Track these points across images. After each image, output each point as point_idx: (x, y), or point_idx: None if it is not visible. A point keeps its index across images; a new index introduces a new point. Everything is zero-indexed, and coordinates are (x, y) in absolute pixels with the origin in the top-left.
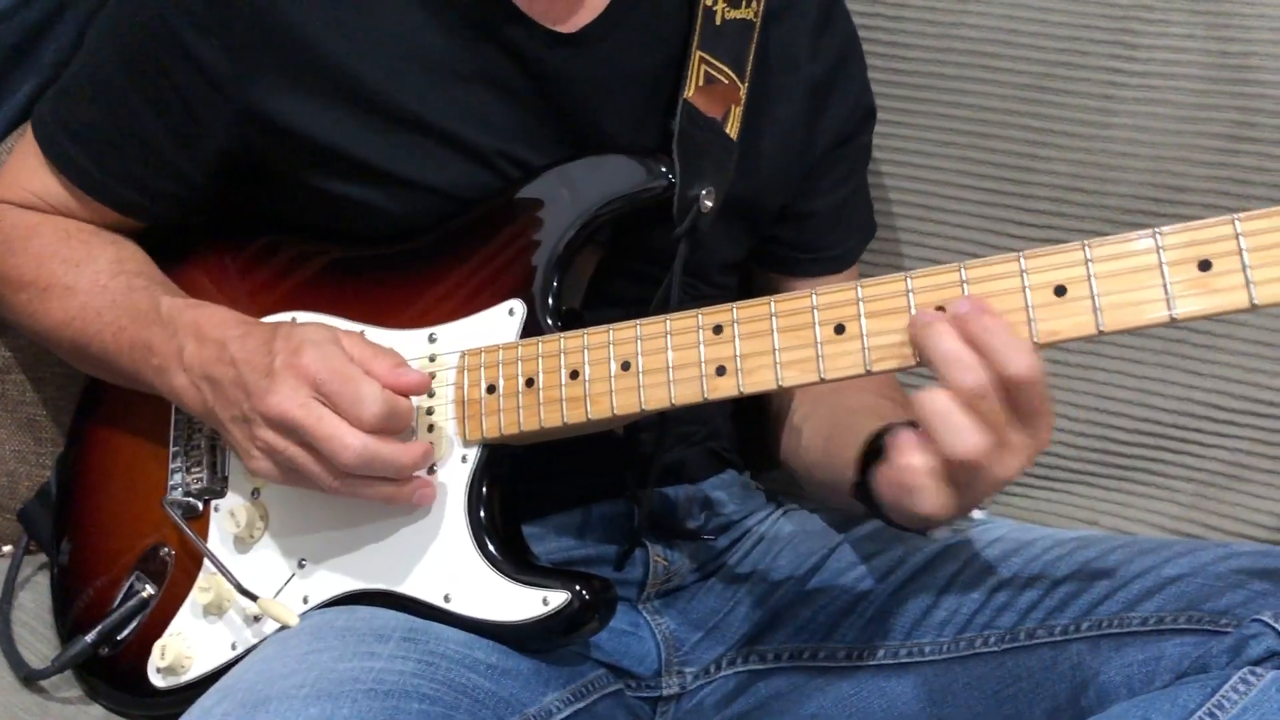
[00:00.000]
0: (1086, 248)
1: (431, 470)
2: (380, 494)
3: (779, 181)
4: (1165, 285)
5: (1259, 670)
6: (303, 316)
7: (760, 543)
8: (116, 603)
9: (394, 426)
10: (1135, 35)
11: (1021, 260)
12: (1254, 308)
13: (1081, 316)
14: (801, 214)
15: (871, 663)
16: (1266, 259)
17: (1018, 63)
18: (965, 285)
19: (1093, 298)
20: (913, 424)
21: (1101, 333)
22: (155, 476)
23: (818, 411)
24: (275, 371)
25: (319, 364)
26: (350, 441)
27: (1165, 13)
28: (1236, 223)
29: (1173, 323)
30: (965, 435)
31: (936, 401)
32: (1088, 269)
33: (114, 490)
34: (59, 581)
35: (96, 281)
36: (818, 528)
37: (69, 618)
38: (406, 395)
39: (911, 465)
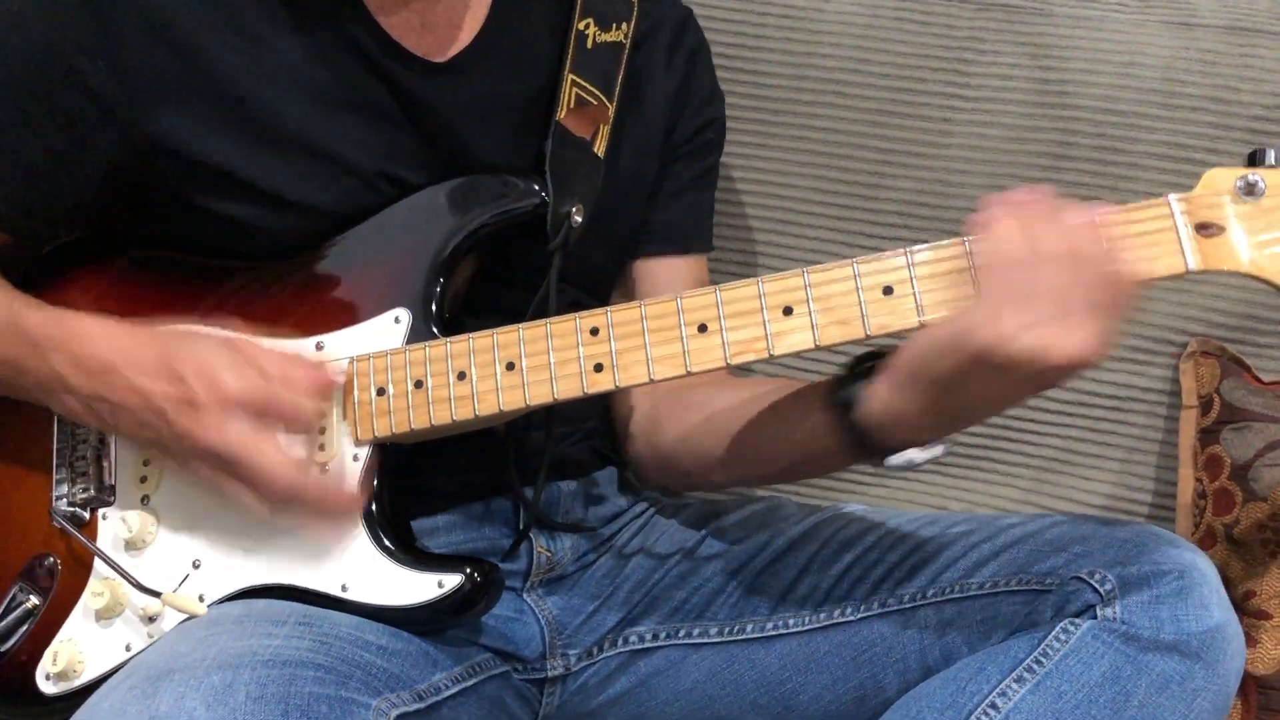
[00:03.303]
0: (909, 254)
1: (324, 469)
2: (305, 523)
3: (639, 186)
4: (975, 285)
5: (1077, 621)
6: (184, 329)
7: (639, 531)
8: None
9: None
10: (969, 65)
11: (855, 266)
12: None
13: (906, 312)
14: (665, 192)
15: (742, 637)
16: None
17: (866, 90)
18: (809, 289)
19: (914, 295)
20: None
21: (923, 324)
22: (38, 488)
23: (709, 403)
24: (200, 403)
25: (240, 386)
26: (280, 476)
27: (995, 45)
28: None
29: None
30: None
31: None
32: (910, 272)
33: None
34: None
35: None
36: (692, 516)
37: None
38: (329, 385)
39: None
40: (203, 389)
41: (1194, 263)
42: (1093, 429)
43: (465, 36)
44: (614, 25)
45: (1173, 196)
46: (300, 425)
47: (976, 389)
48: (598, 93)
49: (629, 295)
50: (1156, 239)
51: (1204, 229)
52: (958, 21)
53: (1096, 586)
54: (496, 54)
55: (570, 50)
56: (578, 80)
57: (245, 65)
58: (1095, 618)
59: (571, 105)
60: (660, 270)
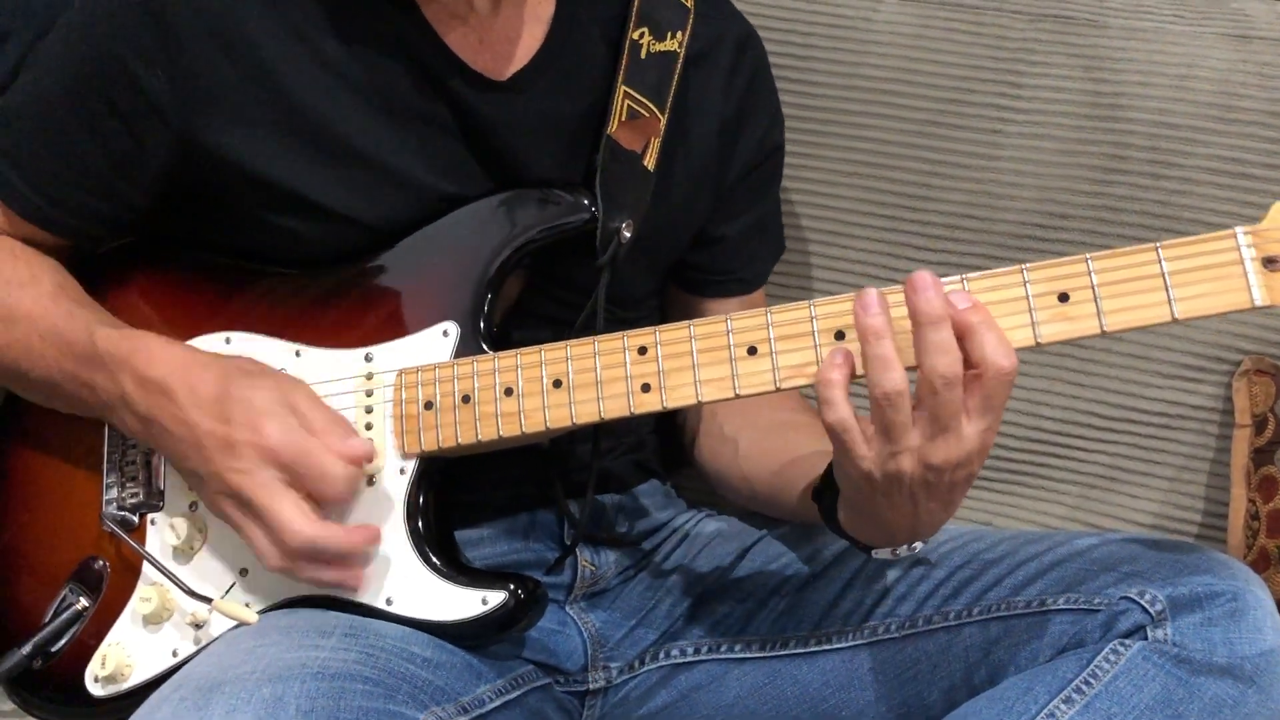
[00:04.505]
0: (965, 281)
1: (371, 482)
2: (319, 579)
3: (689, 211)
4: (1031, 314)
5: (1127, 642)
6: (236, 336)
7: (681, 545)
8: (49, 616)
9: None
10: (1020, 76)
11: None
12: (1104, 334)
13: None
14: (713, 239)
15: (784, 653)
16: (1114, 292)
17: (915, 100)
18: None
19: None
20: None
21: None
22: (88, 492)
23: (748, 426)
24: (236, 446)
25: (282, 442)
26: (298, 535)
27: (1047, 56)
28: (1089, 261)
29: (1038, 347)
30: (895, 375)
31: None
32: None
33: (42, 506)
34: None
35: (39, 304)
36: (734, 530)
37: None
38: (360, 465)
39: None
40: (244, 433)
41: (1260, 298)
42: (1141, 446)
43: (524, 54)
44: (669, 34)
45: (1239, 229)
46: (327, 492)
47: (893, 509)
48: (650, 104)
49: None
50: (1221, 273)
51: (1271, 263)
52: (1009, 32)
53: (1146, 607)
54: (554, 72)
55: (624, 60)
56: (630, 92)
57: (305, 75)
58: (1145, 639)
59: (623, 118)
60: (729, 308)
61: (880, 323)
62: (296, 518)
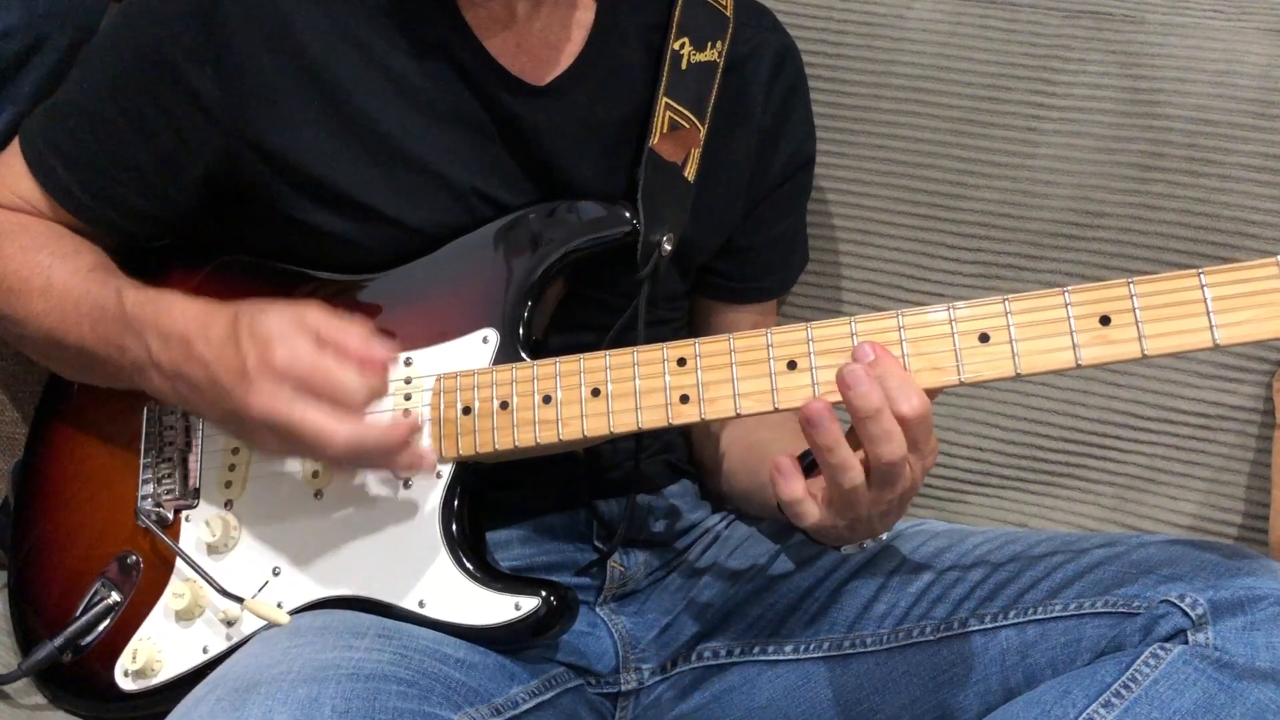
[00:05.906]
0: (1007, 301)
1: (407, 485)
2: (393, 466)
3: (724, 220)
4: (1072, 335)
5: (1167, 646)
6: (265, 302)
7: (712, 546)
8: (81, 609)
9: (377, 401)
10: (1055, 73)
11: (951, 310)
12: (1145, 357)
13: (1002, 361)
14: (740, 248)
15: (818, 655)
16: (1155, 316)
17: (948, 98)
18: (903, 330)
19: (1011, 344)
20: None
21: (1019, 376)
22: (124, 487)
23: (738, 441)
24: (249, 373)
25: (291, 360)
26: (336, 437)
27: (1083, 53)
28: (1131, 285)
29: (1078, 369)
30: (852, 474)
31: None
32: (1008, 320)
33: (78, 500)
34: (17, 591)
35: (76, 275)
36: (767, 530)
37: (30, 626)
38: (382, 368)
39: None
40: (253, 359)
41: None
42: (1180, 447)
43: (564, 60)
44: (709, 44)
45: None
46: (345, 401)
47: (852, 531)
48: (690, 115)
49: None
50: (1263, 300)
51: None
52: (1044, 29)
53: (1187, 610)
54: (593, 79)
55: (665, 72)
56: (671, 103)
57: (352, 76)
58: (1186, 643)
59: (665, 129)
60: (748, 317)
61: (829, 437)
62: (329, 423)
